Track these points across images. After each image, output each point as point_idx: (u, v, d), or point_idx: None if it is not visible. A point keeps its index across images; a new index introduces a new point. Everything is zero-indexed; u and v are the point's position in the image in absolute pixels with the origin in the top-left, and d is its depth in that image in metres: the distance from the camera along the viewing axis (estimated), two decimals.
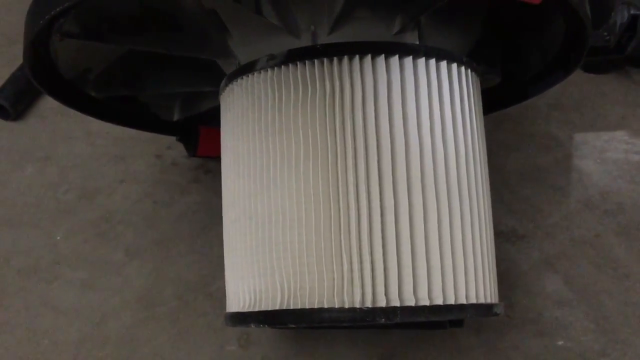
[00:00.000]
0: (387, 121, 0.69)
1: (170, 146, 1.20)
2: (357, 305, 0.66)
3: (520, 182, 1.14)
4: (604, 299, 0.98)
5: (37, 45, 0.77)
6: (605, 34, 0.78)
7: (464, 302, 0.70)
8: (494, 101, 0.99)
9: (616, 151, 1.18)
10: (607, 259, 1.03)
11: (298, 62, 0.71)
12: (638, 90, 1.29)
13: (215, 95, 0.86)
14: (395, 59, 0.70)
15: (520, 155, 1.18)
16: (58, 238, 1.08)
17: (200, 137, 1.12)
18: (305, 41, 0.76)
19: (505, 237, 1.06)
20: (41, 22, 0.68)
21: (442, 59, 0.73)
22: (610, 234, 1.06)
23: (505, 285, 0.99)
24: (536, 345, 0.94)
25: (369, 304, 0.66)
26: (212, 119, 0.93)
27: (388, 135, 0.69)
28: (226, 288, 0.81)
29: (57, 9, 0.65)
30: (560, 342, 0.94)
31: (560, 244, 1.05)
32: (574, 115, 1.25)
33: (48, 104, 1.27)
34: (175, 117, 1.05)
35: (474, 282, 0.71)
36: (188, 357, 0.93)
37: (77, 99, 0.93)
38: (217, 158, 0.86)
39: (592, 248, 1.04)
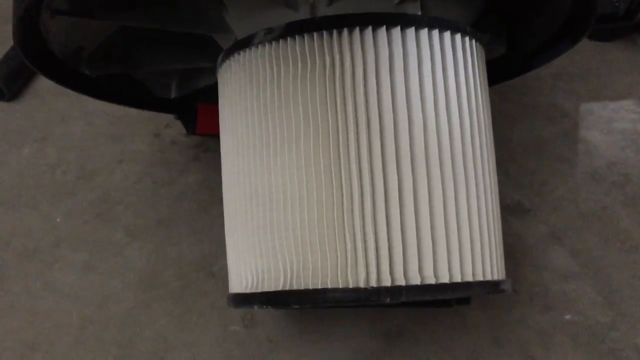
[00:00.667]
0: (390, 95, 0.67)
1: (168, 124, 1.18)
2: (362, 285, 0.65)
3: (525, 155, 1.12)
4: (611, 272, 0.97)
5: (26, 23, 0.74)
6: (614, 0, 0.75)
7: (471, 279, 0.68)
8: (498, 72, 0.96)
9: (623, 121, 1.16)
10: (615, 231, 1.01)
11: (297, 36, 0.69)
12: None
13: (213, 71, 0.84)
14: (397, 31, 0.68)
15: (525, 127, 1.16)
16: (57, 220, 1.07)
17: (199, 114, 1.10)
18: (303, 14, 0.74)
19: (511, 211, 1.04)
20: None
21: (446, 29, 0.71)
22: (618, 206, 1.04)
23: (512, 260, 0.97)
24: (544, 320, 0.93)
25: (373, 284, 0.65)
26: (211, 96, 0.91)
27: (390, 109, 0.67)
28: (228, 269, 0.80)
29: None
30: (567, 317, 0.93)
31: (567, 217, 1.03)
32: (580, 84, 1.22)
33: (44, 84, 1.25)
34: (173, 95, 1.03)
35: (481, 259, 0.70)
36: (191, 338, 0.93)
37: (71, 77, 0.91)
38: (216, 135, 0.84)
39: (599, 220, 1.03)
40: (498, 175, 0.80)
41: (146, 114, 1.12)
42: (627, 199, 1.05)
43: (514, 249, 1.00)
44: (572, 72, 1.24)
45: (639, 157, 1.10)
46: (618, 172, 1.09)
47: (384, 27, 0.68)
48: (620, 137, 1.13)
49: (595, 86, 1.22)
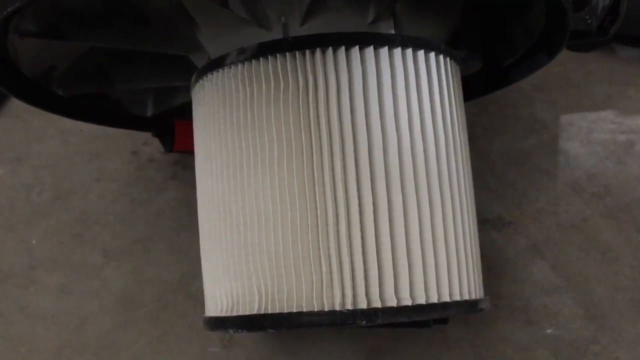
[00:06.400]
0: (364, 115, 0.66)
1: (146, 142, 1.17)
2: (338, 308, 0.64)
3: (505, 167, 1.12)
4: (592, 284, 0.97)
5: None
6: (587, 17, 0.75)
7: (448, 300, 0.68)
8: (477, 86, 0.96)
9: (603, 132, 1.16)
10: (595, 243, 1.01)
11: (269, 56, 0.68)
12: (624, 68, 1.27)
13: (189, 89, 0.83)
14: (370, 50, 0.68)
15: (505, 139, 1.16)
16: (33, 242, 1.05)
17: (176, 131, 1.09)
18: (276, 33, 0.73)
19: (491, 224, 1.04)
20: None
21: (419, 48, 0.70)
22: (598, 218, 1.04)
23: (492, 274, 0.97)
24: (525, 335, 0.92)
25: (349, 306, 0.64)
26: (189, 112, 0.90)
27: (365, 130, 0.66)
28: (204, 291, 0.79)
29: (9, 9, 0.62)
30: (549, 331, 0.92)
31: (547, 229, 1.03)
32: (559, 95, 1.22)
33: (19, 103, 1.22)
34: (149, 113, 1.02)
35: (458, 279, 0.69)
36: None
37: (43, 97, 0.90)
38: (194, 153, 0.83)
39: (580, 232, 1.03)
40: (478, 188, 0.79)
41: (123, 131, 1.11)
42: (607, 210, 1.05)
43: (494, 263, 0.99)
44: (551, 83, 1.25)
45: (618, 168, 1.10)
46: (598, 183, 1.09)
47: (357, 46, 0.67)
48: (599, 148, 1.13)
49: (574, 97, 1.22)
